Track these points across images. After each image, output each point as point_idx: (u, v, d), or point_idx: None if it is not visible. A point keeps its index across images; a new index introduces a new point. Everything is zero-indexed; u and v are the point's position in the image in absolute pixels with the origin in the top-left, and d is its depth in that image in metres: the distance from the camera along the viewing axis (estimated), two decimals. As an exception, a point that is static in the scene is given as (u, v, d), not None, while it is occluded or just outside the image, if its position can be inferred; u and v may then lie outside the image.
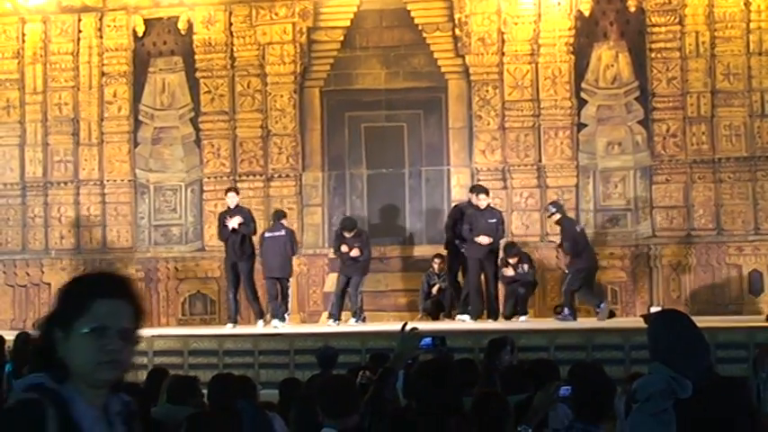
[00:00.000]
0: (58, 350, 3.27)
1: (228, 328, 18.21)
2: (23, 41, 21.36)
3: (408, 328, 6.45)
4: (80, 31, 21.20)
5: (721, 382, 5.44)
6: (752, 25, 19.52)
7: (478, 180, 19.96)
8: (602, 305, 17.80)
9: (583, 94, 20.00)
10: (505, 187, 20.06)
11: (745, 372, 11.40)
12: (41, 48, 21.30)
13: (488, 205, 18.39)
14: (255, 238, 18.70)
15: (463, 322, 17.88)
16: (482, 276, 18.26)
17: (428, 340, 6.88)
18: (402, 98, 20.45)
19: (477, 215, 18.19)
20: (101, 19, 21.20)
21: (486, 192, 18.51)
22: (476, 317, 18.03)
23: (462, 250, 18.40)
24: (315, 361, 11.87)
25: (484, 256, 18.17)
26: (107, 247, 21.03)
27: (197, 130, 20.95)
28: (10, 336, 13.74)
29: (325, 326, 18.38)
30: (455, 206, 19.12)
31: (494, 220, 18.18)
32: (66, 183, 21.17)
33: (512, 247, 18.57)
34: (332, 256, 19.51)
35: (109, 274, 3.51)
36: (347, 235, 18.42)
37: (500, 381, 8.60)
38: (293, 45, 20.73)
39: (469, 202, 18.54)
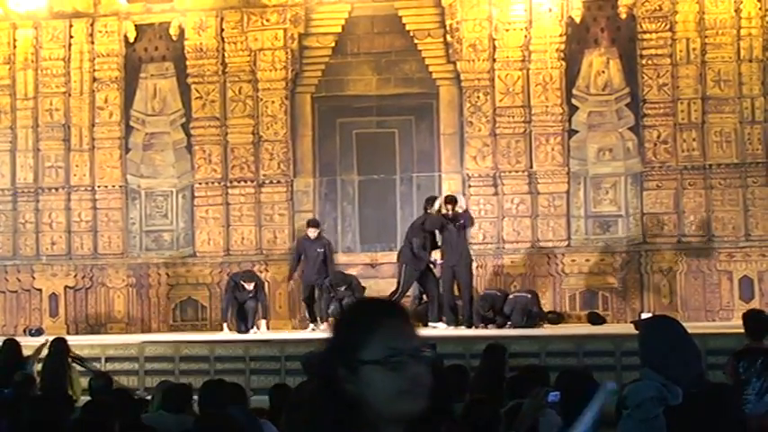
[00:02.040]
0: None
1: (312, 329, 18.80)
2: (14, 47, 21.33)
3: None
4: (71, 37, 21.18)
5: (711, 389, 5.45)
6: (742, 32, 19.56)
7: (470, 186, 20.02)
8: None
9: (574, 101, 20.02)
10: (496, 193, 20.07)
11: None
12: (32, 53, 21.28)
13: (456, 212, 18.42)
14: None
15: (435, 329, 17.89)
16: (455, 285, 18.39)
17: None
18: (393, 104, 20.45)
19: (444, 222, 18.25)
20: (92, 24, 21.18)
21: (454, 201, 18.51)
22: (454, 325, 18.09)
23: (434, 261, 18.43)
24: (307, 367, 11.86)
25: (456, 262, 18.19)
26: (98, 252, 21.00)
27: (188, 135, 20.93)
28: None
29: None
30: (422, 223, 18.83)
31: (461, 221, 18.24)
32: (57, 188, 21.14)
33: (485, 300, 18.45)
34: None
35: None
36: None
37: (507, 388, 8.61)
38: (284, 51, 20.73)
39: (425, 211, 18.58)
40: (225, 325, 18.92)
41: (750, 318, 10.54)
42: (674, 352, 5.29)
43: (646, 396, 5.16)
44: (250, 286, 18.80)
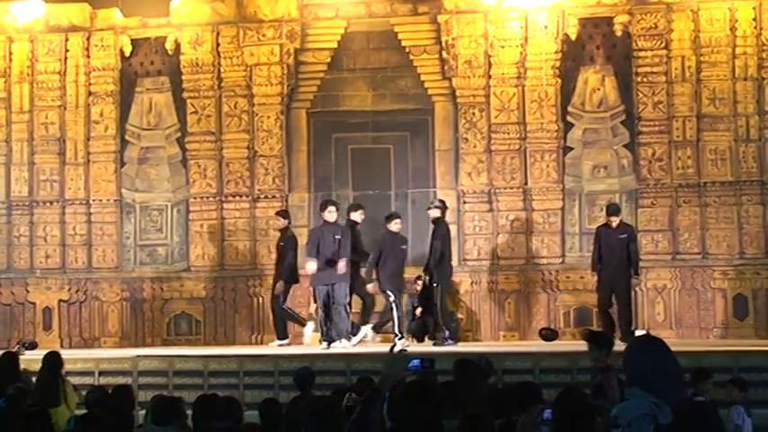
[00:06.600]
0: None
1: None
2: (10, 60, 21.33)
3: (397, 349, 6.45)
4: (67, 51, 21.19)
5: (696, 408, 5.45)
6: (737, 50, 19.61)
7: (465, 202, 20.06)
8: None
9: (569, 118, 20.05)
10: (491, 210, 20.08)
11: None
12: (28, 67, 21.28)
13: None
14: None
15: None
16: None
17: (416, 362, 6.86)
18: (389, 120, 20.47)
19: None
20: (88, 38, 21.19)
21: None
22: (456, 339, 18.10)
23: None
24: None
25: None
26: (92, 266, 20.98)
27: (183, 150, 20.93)
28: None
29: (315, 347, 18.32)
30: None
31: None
32: (51, 202, 21.13)
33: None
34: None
35: None
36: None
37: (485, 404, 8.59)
38: (280, 66, 20.75)
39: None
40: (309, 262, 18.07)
41: None
42: (661, 372, 5.29)
43: (637, 414, 5.16)
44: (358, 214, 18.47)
